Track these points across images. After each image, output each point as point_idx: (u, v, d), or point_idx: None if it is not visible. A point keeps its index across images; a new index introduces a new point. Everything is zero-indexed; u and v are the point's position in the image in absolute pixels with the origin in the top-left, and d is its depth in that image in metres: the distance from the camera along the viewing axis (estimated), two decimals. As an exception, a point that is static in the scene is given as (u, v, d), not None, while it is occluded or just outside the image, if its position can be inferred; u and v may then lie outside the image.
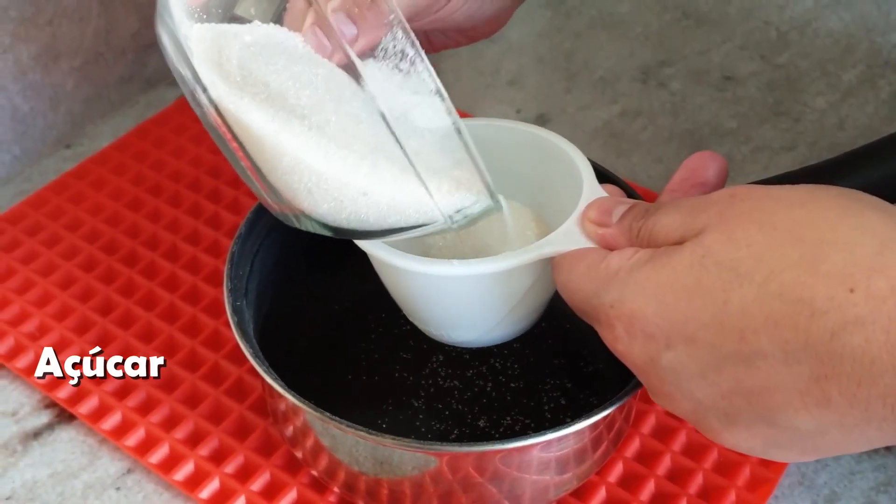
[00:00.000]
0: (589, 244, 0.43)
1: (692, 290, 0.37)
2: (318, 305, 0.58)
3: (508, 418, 0.54)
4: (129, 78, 0.75)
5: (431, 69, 0.39)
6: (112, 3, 0.71)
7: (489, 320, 0.47)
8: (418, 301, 0.47)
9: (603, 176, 0.54)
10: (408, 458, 0.46)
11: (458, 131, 0.40)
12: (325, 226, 0.43)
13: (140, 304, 0.61)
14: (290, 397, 0.44)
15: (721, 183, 0.44)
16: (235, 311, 0.48)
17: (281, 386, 0.45)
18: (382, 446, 0.45)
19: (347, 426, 0.44)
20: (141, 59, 0.75)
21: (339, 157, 0.41)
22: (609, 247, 0.42)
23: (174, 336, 0.59)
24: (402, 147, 0.39)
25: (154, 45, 0.74)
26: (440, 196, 0.41)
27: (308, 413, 0.45)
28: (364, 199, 0.41)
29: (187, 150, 0.71)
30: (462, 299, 0.46)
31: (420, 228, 0.43)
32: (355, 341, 0.57)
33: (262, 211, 0.52)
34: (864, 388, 0.33)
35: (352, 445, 0.47)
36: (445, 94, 0.39)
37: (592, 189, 0.46)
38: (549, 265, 0.44)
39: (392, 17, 0.39)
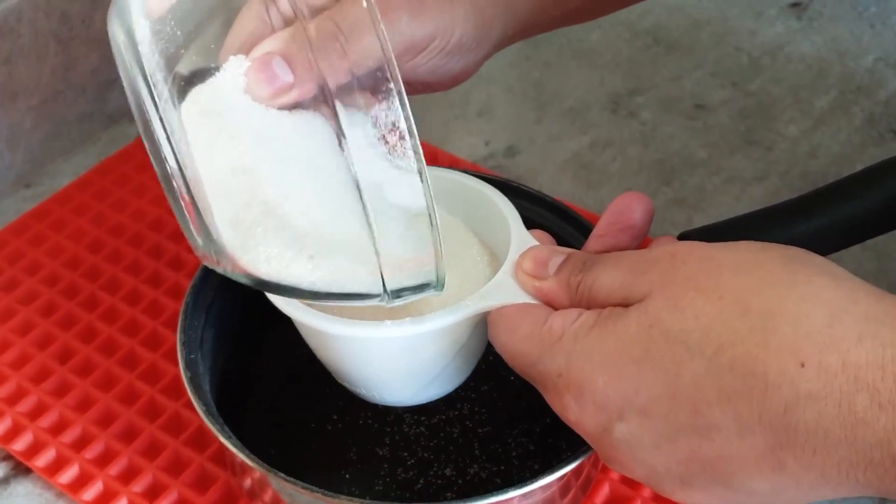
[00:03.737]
0: (525, 297, 0.42)
1: (641, 362, 0.36)
2: (279, 352, 0.56)
3: (475, 466, 0.53)
4: (90, 115, 0.73)
5: (419, 147, 0.37)
6: (70, 40, 0.70)
7: (423, 379, 0.46)
8: (346, 363, 0.46)
9: (565, 214, 0.54)
10: (369, 516, 0.45)
11: (431, 217, 0.38)
12: (255, 280, 0.41)
13: (99, 350, 0.60)
14: (244, 458, 0.43)
15: (647, 224, 0.44)
16: (189, 365, 0.47)
17: (235, 445, 0.44)
18: (342, 505, 0.44)
19: (303, 487, 0.42)
20: (101, 95, 0.73)
21: (297, 214, 0.39)
22: (547, 301, 0.41)
23: (133, 384, 0.58)
24: (369, 223, 0.38)
25: (115, 81, 0.74)
26: (390, 276, 0.40)
27: (263, 473, 0.44)
28: (311, 262, 0.39)
29: (149, 188, 0.69)
30: (393, 360, 0.44)
31: (353, 300, 0.41)
32: (318, 388, 0.56)
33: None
34: (819, 456, 0.34)
35: (311, 502, 0.46)
36: (427, 176, 0.37)
37: (521, 237, 0.45)
38: (484, 317, 0.43)
39: (392, 86, 0.37)
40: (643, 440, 0.37)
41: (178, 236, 0.66)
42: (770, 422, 0.34)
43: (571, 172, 0.72)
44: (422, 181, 0.37)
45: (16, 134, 0.69)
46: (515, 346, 0.40)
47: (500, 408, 0.55)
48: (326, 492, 0.42)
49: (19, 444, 0.56)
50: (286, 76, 0.39)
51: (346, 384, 0.47)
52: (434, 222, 0.38)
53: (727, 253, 0.37)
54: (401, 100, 0.37)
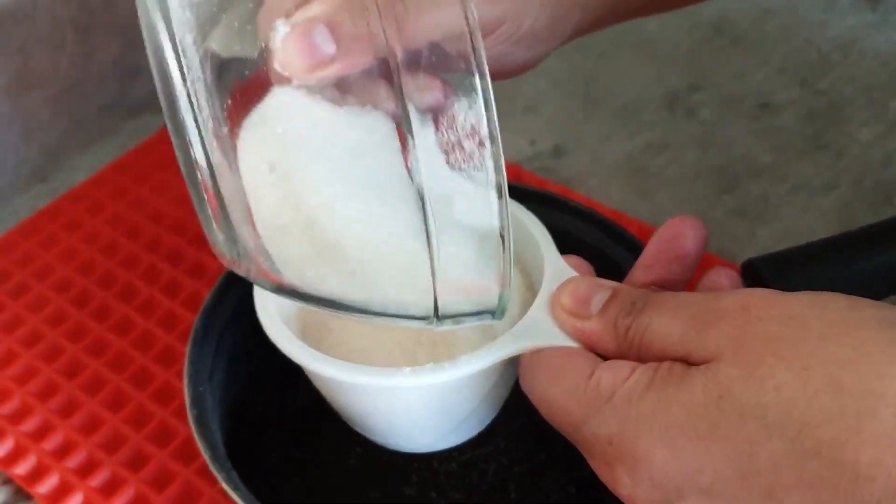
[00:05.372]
0: (563, 338, 0.37)
1: (709, 437, 0.31)
2: (297, 379, 0.52)
3: (510, 510, 0.48)
4: (110, 107, 0.69)
5: (501, 158, 0.31)
6: (90, 27, 0.65)
7: (445, 427, 0.41)
8: (358, 412, 0.41)
9: (611, 230, 0.49)
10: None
11: (505, 240, 0.33)
12: (282, 288, 0.36)
13: (109, 366, 0.56)
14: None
15: (700, 252, 0.39)
16: (196, 401, 0.42)
17: (241, 496, 0.39)
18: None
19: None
20: (123, 86, 0.69)
21: (342, 221, 0.34)
22: (590, 345, 0.36)
23: (144, 405, 0.54)
24: (430, 242, 0.32)
25: (137, 71, 0.69)
26: (444, 300, 0.34)
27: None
28: (353, 278, 0.34)
29: (170, 187, 0.65)
30: (411, 409, 0.39)
31: (395, 319, 0.36)
32: (339, 418, 0.51)
33: (233, 278, 0.46)
34: None
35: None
36: (506, 192, 0.32)
37: (556, 266, 0.40)
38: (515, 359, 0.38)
39: (477, 81, 0.31)
40: None
41: (201, 241, 0.61)
42: None
43: (623, 177, 0.67)
44: (500, 198, 0.32)
45: (31, 126, 0.65)
46: (556, 402, 0.35)
47: (541, 443, 0.51)
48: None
49: (21, 469, 0.52)
50: (327, 47, 0.33)
51: (358, 429, 0.43)
52: (507, 246, 0.33)
53: (811, 310, 0.32)
54: (485, 97, 0.31)
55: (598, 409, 0.34)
